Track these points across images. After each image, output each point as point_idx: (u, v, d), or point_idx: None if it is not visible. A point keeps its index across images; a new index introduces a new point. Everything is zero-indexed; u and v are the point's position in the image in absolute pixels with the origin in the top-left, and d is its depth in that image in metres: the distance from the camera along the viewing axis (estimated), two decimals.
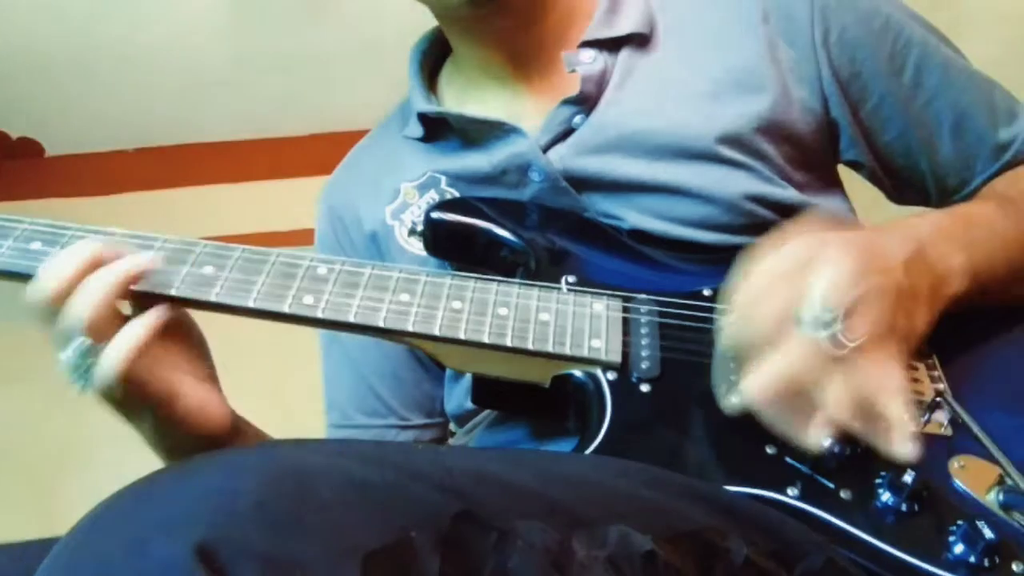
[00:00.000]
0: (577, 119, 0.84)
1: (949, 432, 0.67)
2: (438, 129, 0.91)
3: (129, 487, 0.46)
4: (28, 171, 2.61)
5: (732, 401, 0.63)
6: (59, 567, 0.43)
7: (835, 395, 0.61)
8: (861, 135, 0.86)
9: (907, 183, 0.89)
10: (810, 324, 0.60)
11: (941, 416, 0.68)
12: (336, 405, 0.98)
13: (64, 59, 2.33)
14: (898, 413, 0.61)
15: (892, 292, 0.63)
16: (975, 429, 0.66)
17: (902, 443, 0.62)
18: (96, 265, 0.65)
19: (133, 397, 0.66)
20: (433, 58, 0.96)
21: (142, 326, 0.65)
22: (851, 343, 0.60)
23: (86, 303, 0.64)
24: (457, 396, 0.91)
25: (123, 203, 2.54)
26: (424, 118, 0.90)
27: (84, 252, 0.66)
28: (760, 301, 0.62)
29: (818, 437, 0.61)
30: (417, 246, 0.87)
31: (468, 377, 0.86)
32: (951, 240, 0.71)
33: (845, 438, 0.62)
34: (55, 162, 2.65)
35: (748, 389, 0.61)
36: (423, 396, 0.96)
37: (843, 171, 0.91)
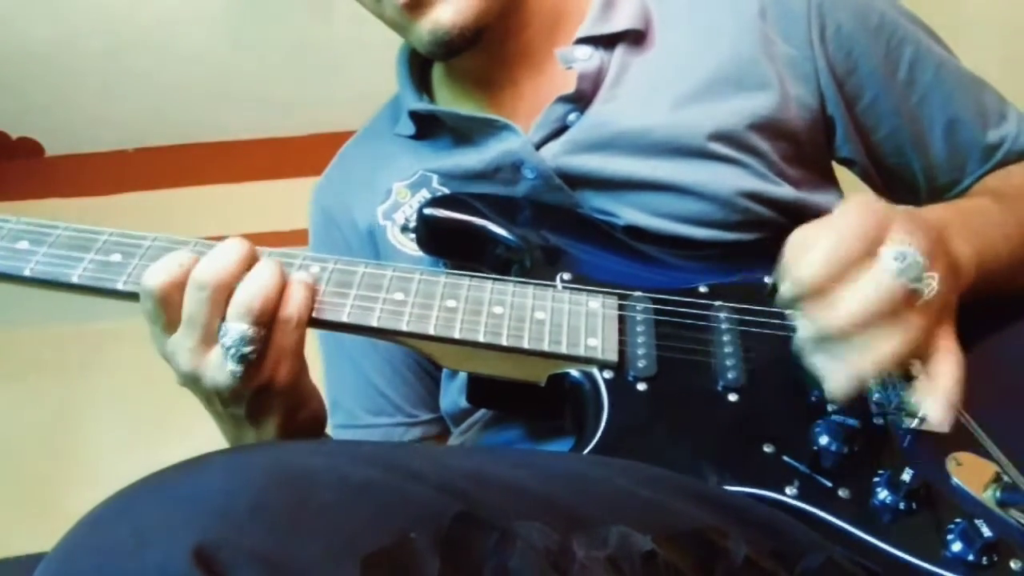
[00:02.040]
0: (571, 116, 0.84)
1: (946, 429, 0.67)
2: (430, 127, 0.90)
3: (127, 488, 0.46)
4: (28, 171, 2.61)
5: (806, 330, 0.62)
6: (57, 568, 0.43)
7: (895, 343, 0.60)
8: (855, 132, 0.86)
9: (898, 181, 0.89)
10: (894, 258, 0.59)
11: None
12: (340, 406, 0.99)
13: (65, 59, 2.33)
14: (953, 379, 0.62)
15: (945, 265, 0.64)
16: (972, 426, 0.66)
17: (943, 408, 0.62)
18: (251, 260, 0.66)
19: (283, 394, 0.67)
20: (422, 55, 0.95)
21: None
22: (932, 290, 0.60)
23: (257, 292, 0.64)
24: (451, 394, 0.91)
25: (123, 203, 2.54)
26: (416, 116, 0.90)
27: (242, 248, 0.66)
28: (841, 244, 0.60)
29: (858, 379, 0.61)
30: (410, 245, 0.87)
31: (463, 376, 0.86)
32: (958, 231, 0.71)
33: (839, 434, 0.63)
34: (55, 162, 2.65)
35: (839, 310, 0.59)
36: (426, 392, 0.97)
37: (838, 170, 0.91)
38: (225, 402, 0.67)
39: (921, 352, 0.62)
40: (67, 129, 2.57)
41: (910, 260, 0.59)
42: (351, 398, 0.98)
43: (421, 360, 0.95)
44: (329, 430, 0.99)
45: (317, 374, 1.01)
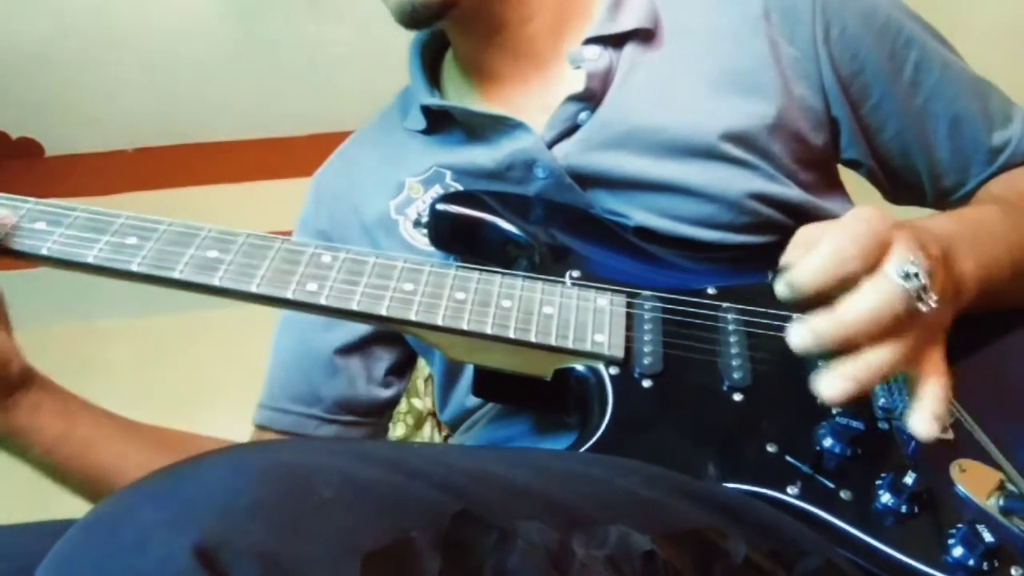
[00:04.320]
0: (582, 115, 0.84)
1: (951, 436, 0.67)
2: (441, 122, 0.91)
3: (128, 487, 0.46)
4: (28, 171, 2.61)
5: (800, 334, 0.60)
6: (58, 567, 0.43)
7: (885, 356, 0.59)
8: (860, 133, 0.86)
9: (904, 183, 0.90)
10: (897, 273, 0.58)
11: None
12: (270, 383, 0.98)
13: (64, 59, 2.34)
14: (939, 397, 0.61)
15: (942, 282, 0.63)
16: (977, 434, 0.66)
17: (930, 422, 0.60)
18: None
19: None
20: (434, 50, 0.96)
21: None
22: (933, 302, 0.58)
23: None
24: (457, 397, 0.91)
25: (123, 203, 2.54)
26: (427, 111, 0.90)
27: None
28: (844, 251, 0.59)
29: (853, 386, 0.59)
30: (422, 240, 0.87)
31: (466, 380, 0.86)
32: (963, 246, 0.71)
33: (843, 436, 0.63)
34: (55, 162, 2.65)
35: (830, 320, 0.58)
36: (355, 396, 0.96)
37: (845, 174, 0.91)
38: None
39: (911, 367, 0.61)
40: (67, 129, 2.57)
41: (915, 277, 0.58)
42: (280, 379, 0.97)
43: (370, 371, 0.96)
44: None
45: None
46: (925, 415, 0.61)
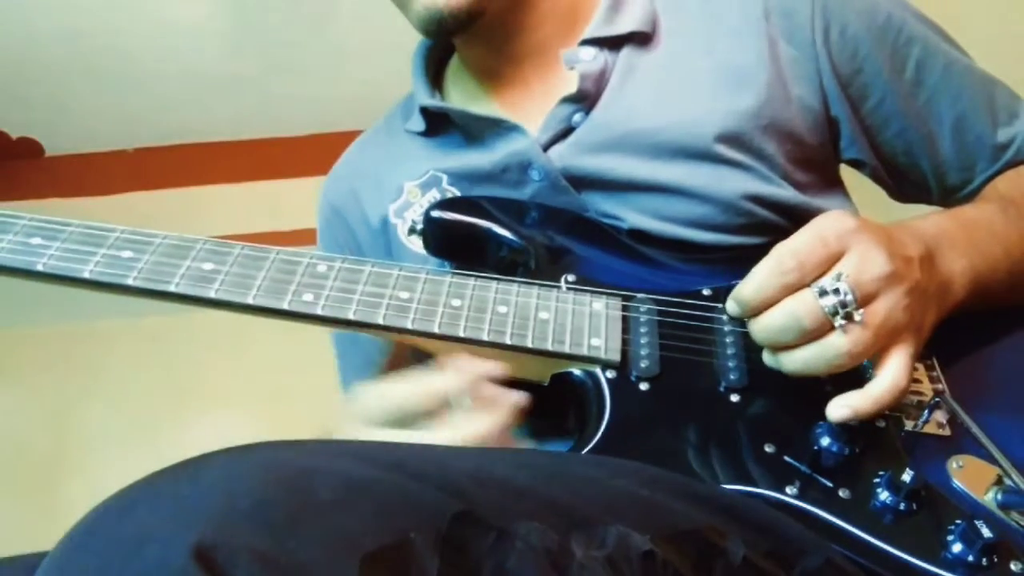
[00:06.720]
0: (577, 117, 0.84)
1: (948, 432, 0.67)
2: (440, 124, 0.91)
3: (127, 488, 0.46)
4: (28, 171, 2.61)
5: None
6: (56, 568, 0.43)
7: (807, 354, 0.63)
8: (862, 133, 0.86)
9: (909, 181, 0.89)
10: (816, 291, 0.62)
11: (940, 416, 0.68)
12: (349, 385, 0.99)
13: (64, 59, 2.33)
14: (873, 397, 0.63)
15: (913, 285, 0.64)
16: (974, 429, 0.66)
17: (841, 410, 0.63)
18: None
19: None
20: (438, 53, 0.96)
21: None
22: (858, 320, 0.61)
23: None
24: None
25: (123, 203, 2.54)
26: (426, 112, 0.91)
27: None
28: (781, 265, 0.63)
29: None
30: (419, 244, 0.87)
31: None
32: (954, 245, 0.71)
33: (840, 435, 0.64)
34: (55, 162, 2.65)
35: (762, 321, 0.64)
36: None
37: (847, 173, 0.91)
38: None
39: (868, 361, 0.64)
40: (67, 129, 2.57)
41: (835, 294, 0.61)
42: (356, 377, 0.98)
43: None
44: None
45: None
46: (844, 402, 0.63)
